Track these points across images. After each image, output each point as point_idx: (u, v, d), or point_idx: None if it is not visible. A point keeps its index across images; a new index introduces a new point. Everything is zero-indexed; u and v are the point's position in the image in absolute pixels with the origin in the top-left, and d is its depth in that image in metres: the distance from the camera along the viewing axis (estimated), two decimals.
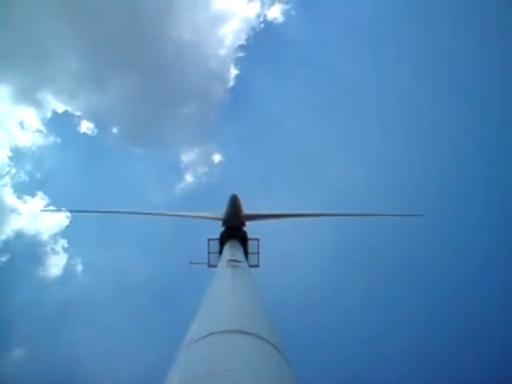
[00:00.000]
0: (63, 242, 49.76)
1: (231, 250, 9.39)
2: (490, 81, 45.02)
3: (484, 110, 45.10)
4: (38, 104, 51.69)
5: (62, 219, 50.71)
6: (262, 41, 55.99)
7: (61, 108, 52.24)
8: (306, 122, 54.74)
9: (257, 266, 11.67)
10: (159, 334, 36.31)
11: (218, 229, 11.75)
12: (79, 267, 49.26)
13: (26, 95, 52.06)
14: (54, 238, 49.75)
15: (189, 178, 56.08)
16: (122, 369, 36.57)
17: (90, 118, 53.46)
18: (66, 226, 50.43)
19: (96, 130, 53.75)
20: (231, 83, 55.37)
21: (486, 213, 43.14)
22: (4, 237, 46.79)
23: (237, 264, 7.53)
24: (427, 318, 40.18)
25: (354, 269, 43.28)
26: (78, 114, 53.24)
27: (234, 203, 11.69)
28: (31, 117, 52.40)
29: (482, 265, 40.64)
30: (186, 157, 61.12)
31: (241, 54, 55.32)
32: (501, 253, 40.06)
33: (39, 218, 50.27)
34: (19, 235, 48.20)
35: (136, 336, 40.30)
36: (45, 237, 49.52)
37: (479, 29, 45.31)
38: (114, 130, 55.39)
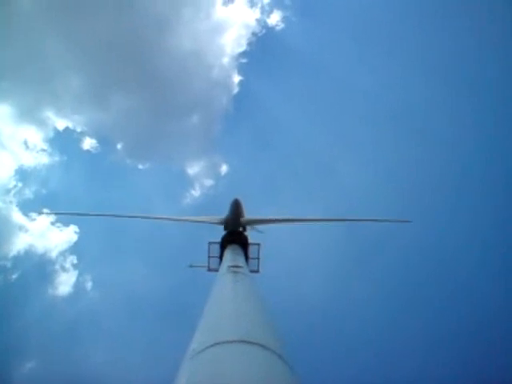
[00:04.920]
0: (72, 258, 49.69)
1: (232, 255, 9.32)
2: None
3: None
4: (41, 122, 51.65)
5: (70, 235, 50.59)
6: (264, 46, 56.27)
7: (64, 125, 52.31)
8: (310, 127, 54.76)
9: (257, 271, 11.59)
10: (168, 347, 35.96)
11: (219, 233, 11.72)
12: (89, 283, 49.00)
13: (29, 114, 51.86)
14: (63, 254, 49.62)
15: (196, 190, 55.53)
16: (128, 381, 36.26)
17: (94, 135, 53.40)
18: (75, 242, 50.37)
19: (100, 146, 53.71)
20: (235, 90, 55.44)
21: (484, 216, 43.36)
22: (15, 252, 46.61)
23: (238, 270, 7.46)
24: (428, 317, 40.34)
25: (354, 271, 43.28)
26: (82, 130, 53.21)
27: (236, 207, 11.67)
28: (35, 135, 52.44)
29: (478, 266, 40.89)
30: (192, 169, 60.54)
31: (243, 60, 55.43)
32: (498, 255, 40.30)
33: (47, 234, 50.19)
34: (28, 252, 47.96)
35: (147, 351, 39.93)
36: (54, 253, 49.46)
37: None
38: (118, 146, 55.33)
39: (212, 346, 3.28)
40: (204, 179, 56.17)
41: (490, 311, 37.15)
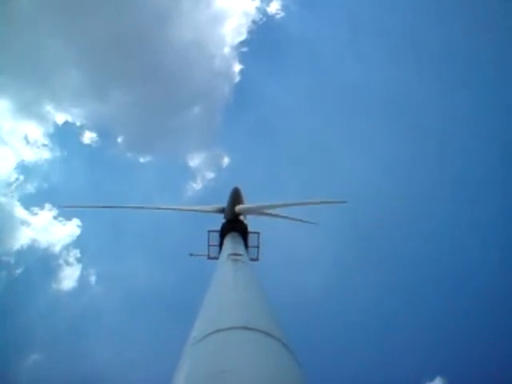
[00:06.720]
0: (75, 252, 49.34)
1: (232, 244, 9.27)
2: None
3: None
4: (41, 117, 50.94)
5: (73, 229, 50.33)
6: (264, 35, 55.68)
7: (64, 119, 51.45)
8: (310, 115, 54.29)
9: (256, 259, 11.59)
10: (175, 342, 35.70)
11: (218, 222, 11.68)
12: (93, 277, 48.82)
13: (29, 108, 50.90)
14: (67, 248, 49.32)
15: (198, 183, 54.88)
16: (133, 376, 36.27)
17: (94, 128, 52.70)
18: (78, 236, 50.09)
19: (100, 140, 53.02)
20: (236, 80, 54.69)
21: (484, 209, 43.45)
22: (18, 247, 46.46)
23: (238, 258, 7.41)
24: (429, 315, 40.61)
25: (356, 264, 43.43)
26: (82, 124, 52.51)
27: (235, 196, 11.59)
28: (35, 130, 51.75)
29: (479, 262, 41.06)
30: (193, 162, 59.56)
31: (243, 49, 54.74)
32: (498, 251, 40.42)
33: (50, 229, 49.98)
34: (32, 247, 47.76)
35: (153, 346, 39.82)
36: (57, 247, 49.19)
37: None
38: (119, 139, 54.60)
39: (214, 332, 3.20)
40: (205, 172, 55.60)
41: (490, 309, 37.27)
